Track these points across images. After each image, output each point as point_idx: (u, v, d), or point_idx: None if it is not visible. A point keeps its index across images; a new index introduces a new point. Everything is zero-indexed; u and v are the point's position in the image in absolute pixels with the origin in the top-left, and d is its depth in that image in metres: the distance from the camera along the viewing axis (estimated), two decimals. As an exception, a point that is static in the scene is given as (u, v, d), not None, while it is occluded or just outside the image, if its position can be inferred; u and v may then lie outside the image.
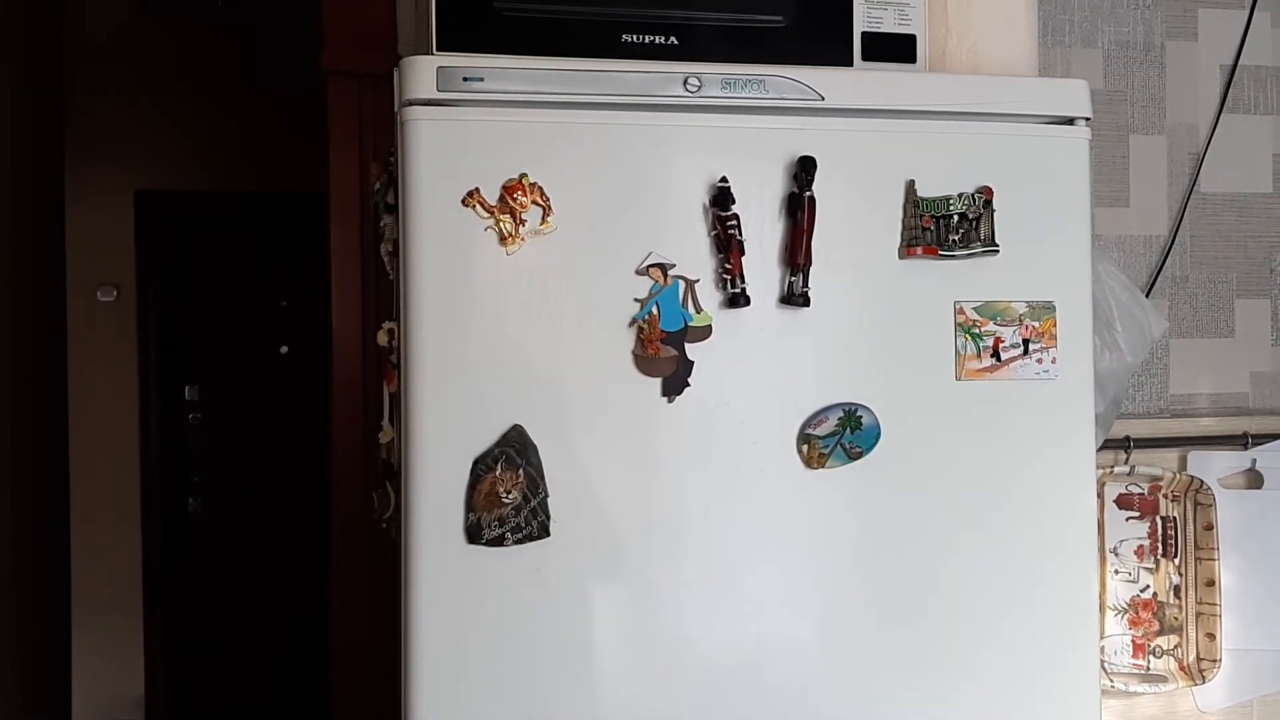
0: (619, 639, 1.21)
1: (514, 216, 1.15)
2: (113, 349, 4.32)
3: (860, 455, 1.22)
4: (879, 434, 1.22)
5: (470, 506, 1.15)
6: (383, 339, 1.30)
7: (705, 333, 1.19)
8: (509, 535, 1.16)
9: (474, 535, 1.15)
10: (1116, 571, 1.92)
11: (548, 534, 1.17)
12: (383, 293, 1.58)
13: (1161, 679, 1.89)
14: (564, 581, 1.18)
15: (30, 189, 3.29)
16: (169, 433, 4.46)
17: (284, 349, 4.64)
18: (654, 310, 1.18)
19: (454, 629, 1.16)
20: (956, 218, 1.24)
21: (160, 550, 4.44)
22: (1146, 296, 1.93)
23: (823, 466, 1.21)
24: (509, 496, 1.15)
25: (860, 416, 1.22)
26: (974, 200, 1.24)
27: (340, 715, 1.94)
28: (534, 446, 1.16)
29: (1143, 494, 1.93)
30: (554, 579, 1.18)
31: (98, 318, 4.29)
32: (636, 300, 1.18)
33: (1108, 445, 1.85)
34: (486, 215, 1.15)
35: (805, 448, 1.21)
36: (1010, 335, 1.25)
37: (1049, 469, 1.28)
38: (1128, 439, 1.88)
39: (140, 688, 4.46)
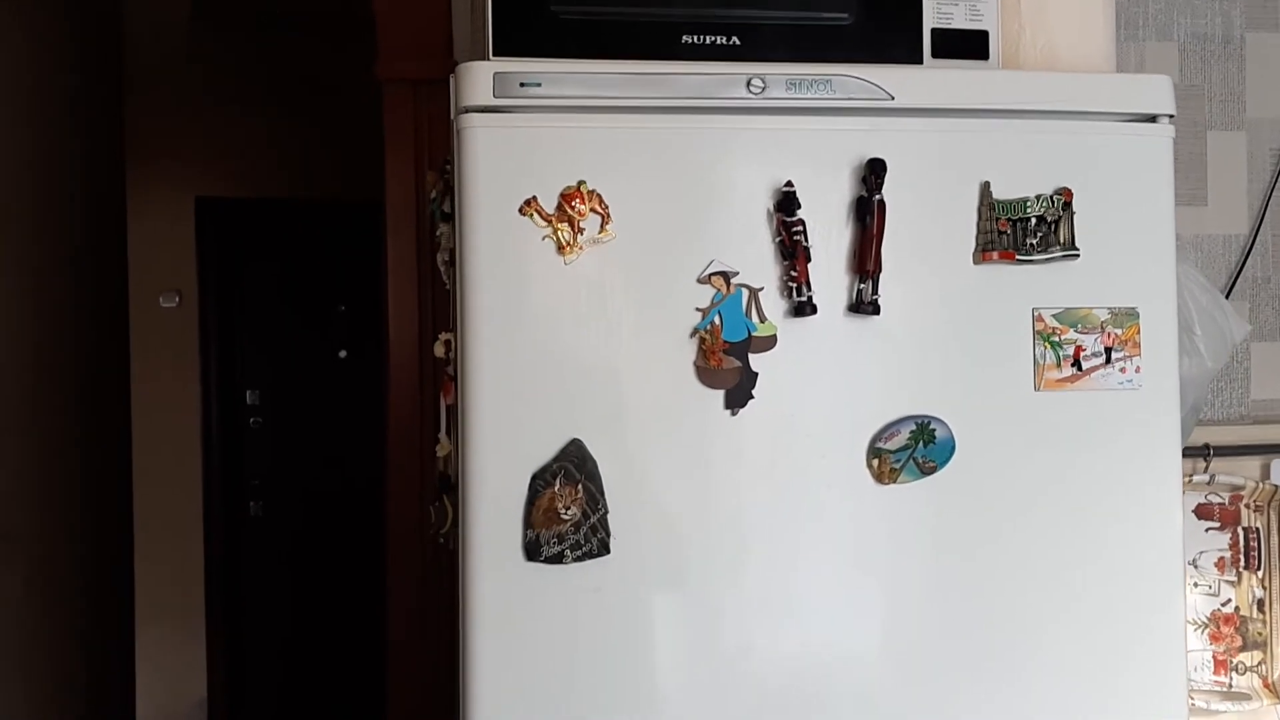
0: (680, 658, 1.17)
1: (572, 225, 1.12)
2: (175, 354, 4.37)
3: (934, 470, 1.17)
4: (954, 448, 1.17)
5: (529, 523, 1.12)
6: (439, 350, 1.28)
7: (770, 343, 1.15)
8: (568, 553, 1.13)
9: (533, 552, 1.12)
10: (1196, 585, 1.84)
11: (608, 551, 1.13)
12: (439, 302, 1.56)
13: (1245, 697, 1.82)
14: (624, 599, 1.14)
15: (95, 197, 3.33)
16: (230, 437, 4.50)
17: (343, 353, 4.67)
18: (716, 320, 1.14)
19: (512, 647, 1.13)
20: (1034, 221, 1.18)
21: (221, 554, 4.48)
22: (1226, 299, 1.86)
23: (894, 482, 1.17)
24: (568, 513, 1.12)
25: (934, 429, 1.17)
26: (1052, 202, 1.19)
27: (395, 717, 1.93)
28: (593, 461, 1.13)
29: (1223, 504, 1.85)
30: (614, 597, 1.14)
31: (160, 324, 4.34)
32: (698, 310, 1.14)
33: (1186, 453, 1.77)
34: (544, 224, 1.12)
35: (876, 462, 1.16)
36: (1091, 343, 1.19)
37: (1133, 484, 1.23)
38: (1207, 447, 1.81)
39: (203, 689, 4.50)
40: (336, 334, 4.64)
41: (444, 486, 1.31)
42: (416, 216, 1.66)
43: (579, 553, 1.13)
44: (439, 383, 1.34)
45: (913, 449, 1.16)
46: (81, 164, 3.12)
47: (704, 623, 1.17)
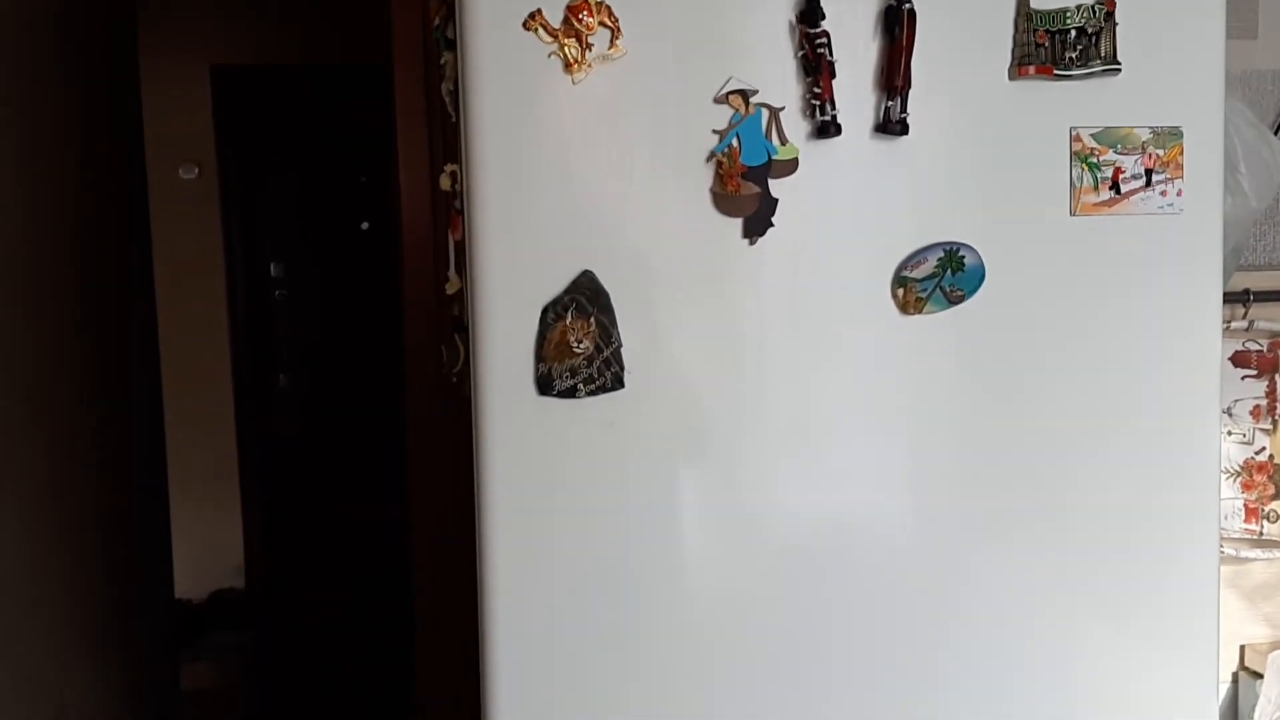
0: (698, 495, 1.15)
1: (579, 40, 1.05)
2: (196, 227, 4.35)
3: (961, 299, 1.12)
4: (983, 276, 1.12)
5: (540, 356, 1.09)
6: (445, 183, 1.23)
7: (791, 166, 1.09)
8: (581, 386, 1.09)
9: (545, 386, 1.09)
10: (1230, 433, 1.81)
11: (621, 385, 1.10)
12: (450, 140, 1.50)
13: (1276, 544, 1.79)
14: (638, 435, 1.12)
15: (106, 67, 3.25)
16: (255, 310, 4.51)
17: (365, 225, 4.63)
18: (734, 142, 1.08)
19: (527, 483, 1.11)
20: (1074, 33, 1.11)
21: (253, 423, 4.53)
22: (1276, 136, 1.77)
23: (919, 312, 1.12)
24: (580, 346, 1.09)
25: (962, 256, 1.11)
26: (1094, 12, 1.11)
27: (421, 562, 1.94)
28: (606, 294, 1.09)
29: (1261, 351, 1.80)
30: (628, 433, 1.12)
31: (180, 195, 4.31)
32: (715, 132, 1.08)
33: (1226, 299, 1.70)
34: (550, 40, 1.06)
35: (901, 291, 1.11)
36: (1131, 165, 1.13)
37: (1171, 314, 1.18)
38: (1247, 292, 1.75)
39: (239, 556, 4.61)
40: (358, 206, 4.60)
41: (456, 326, 1.27)
42: (425, 55, 1.59)
43: (592, 387, 1.09)
44: (448, 219, 1.30)
45: (940, 277, 1.11)
46: (89, 32, 3.04)
47: (722, 457, 1.14)
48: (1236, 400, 1.80)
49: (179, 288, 4.16)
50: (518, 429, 1.11)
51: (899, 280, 1.11)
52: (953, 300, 1.12)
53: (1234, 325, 1.76)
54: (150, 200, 3.76)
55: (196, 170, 4.33)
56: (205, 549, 4.61)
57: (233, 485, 4.61)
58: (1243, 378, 1.80)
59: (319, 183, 4.56)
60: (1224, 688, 1.80)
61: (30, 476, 2.50)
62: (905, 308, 1.12)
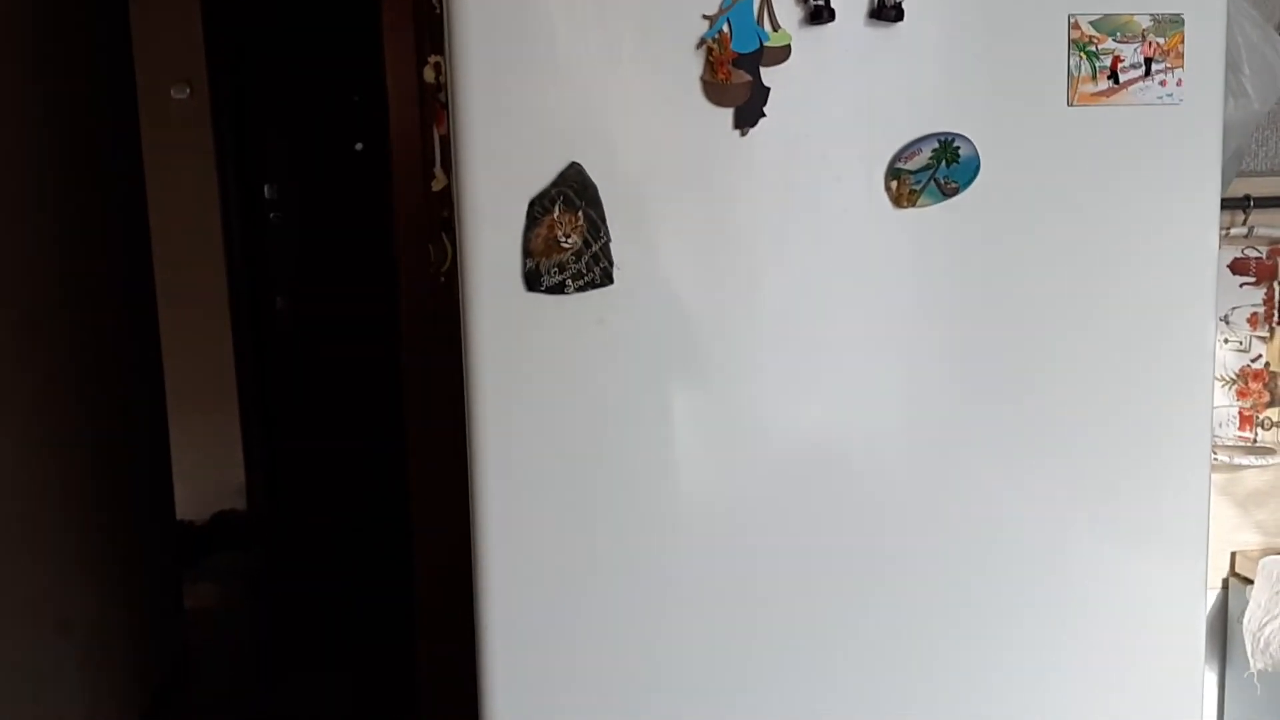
0: (688, 392, 1.14)
1: (565, -78, 1.02)
2: (189, 148, 4.29)
3: (956, 191, 1.10)
4: (978, 167, 1.10)
5: (528, 252, 1.07)
6: (429, 75, 1.20)
7: (783, 54, 1.07)
8: (570, 282, 1.08)
9: (533, 282, 1.08)
10: (1226, 340, 1.80)
11: (611, 281, 1.09)
12: (435, 34, 1.47)
13: (1270, 451, 1.79)
14: (628, 332, 1.11)
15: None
16: (251, 231, 4.47)
17: (359, 146, 4.57)
18: (724, 28, 1.05)
19: (516, 381, 1.11)
20: (1074, -86, 1.07)
21: (250, 346, 4.53)
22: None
23: (914, 205, 1.10)
24: (568, 241, 1.07)
25: (957, 147, 1.09)
26: (1095, -107, 1.08)
27: (418, 480, 1.94)
28: (593, 186, 1.07)
29: (1260, 258, 1.78)
30: (618, 330, 1.10)
31: (172, 116, 4.25)
32: (705, 17, 1.06)
33: (1225, 205, 1.68)
34: (534, -78, 1.03)
35: (895, 184, 1.10)
36: (1131, 54, 1.10)
37: (1169, 209, 1.16)
38: (1247, 198, 1.73)
39: (241, 477, 4.63)
40: (352, 126, 4.54)
41: (443, 226, 1.26)
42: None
43: (581, 282, 1.08)
44: (433, 113, 1.27)
45: (934, 169, 1.09)
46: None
47: (714, 354, 1.13)
48: (1234, 308, 1.79)
49: (172, 210, 4.12)
50: (506, 326, 1.10)
51: (893, 172, 1.10)
52: (947, 193, 1.10)
53: (1233, 232, 1.74)
54: (141, 121, 3.71)
55: (188, 90, 4.27)
56: (206, 471, 4.63)
57: (232, 409, 4.62)
58: (1241, 285, 1.79)
59: (312, 104, 4.49)
60: (1214, 594, 1.81)
61: (21, 397, 2.50)
62: (899, 200, 1.10)
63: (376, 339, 4.23)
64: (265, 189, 4.61)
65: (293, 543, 4.47)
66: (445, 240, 1.21)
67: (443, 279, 1.26)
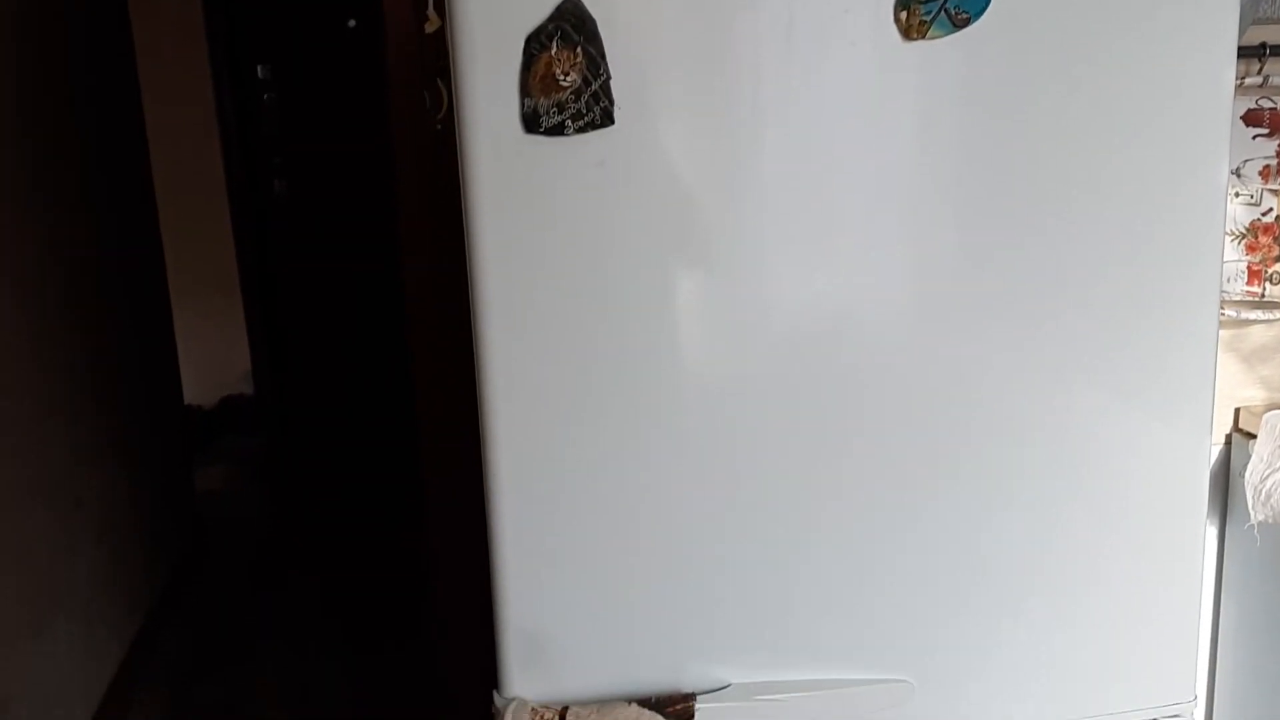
0: (690, 241, 1.12)
1: None
2: (179, 28, 4.21)
3: (967, 22, 1.07)
4: (989, -4, 1.07)
5: (525, 91, 1.05)
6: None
7: (786, -123, 1.02)
8: (569, 123, 1.05)
9: (531, 124, 1.05)
10: (1237, 194, 1.77)
11: (611, 121, 1.06)
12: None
13: (1277, 305, 1.78)
14: (629, 174, 1.08)
15: None
16: (245, 113, 4.40)
17: (352, 23, 4.46)
18: None
19: (514, 228, 1.09)
20: None
21: (250, 230, 4.49)
22: None
23: (923, 37, 1.07)
24: (567, 79, 1.04)
25: (967, -26, 1.06)
26: None
27: (420, 356, 1.94)
28: (592, 20, 1.04)
29: (1275, 109, 1.74)
30: (620, 173, 1.08)
31: (161, -1, 4.15)
32: None
33: (1240, 53, 1.64)
34: None
35: (904, 15, 1.06)
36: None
37: (1183, 54, 1.13)
38: (1264, 46, 1.68)
39: (246, 361, 4.64)
40: (344, 2, 4.42)
41: (439, 72, 1.22)
42: None
43: (580, 123, 1.06)
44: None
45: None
46: None
47: (716, 196, 1.10)
48: (1246, 160, 1.76)
49: (165, 95, 4.05)
50: (504, 170, 1.07)
51: (902, 3, 1.06)
52: (957, 24, 1.07)
53: (1248, 81, 1.70)
54: (129, 6, 3.63)
55: (176, -31, 4.16)
56: (212, 357, 4.65)
57: (235, 293, 4.61)
58: (1254, 137, 1.75)
59: (303, -21, 4.38)
60: (1217, 450, 1.82)
61: (28, 285, 2.49)
62: (908, 32, 1.07)
63: (378, 218, 4.20)
64: (258, 69, 4.52)
65: (301, 425, 4.51)
66: (440, 85, 1.18)
67: (439, 127, 1.23)
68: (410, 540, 3.80)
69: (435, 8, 1.19)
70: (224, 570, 3.80)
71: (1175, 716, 1.26)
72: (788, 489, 1.16)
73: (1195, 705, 1.26)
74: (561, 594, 1.15)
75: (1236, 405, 1.82)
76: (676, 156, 1.09)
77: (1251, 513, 1.73)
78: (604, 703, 1.15)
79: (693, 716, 1.13)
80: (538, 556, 1.14)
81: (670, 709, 1.14)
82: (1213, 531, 1.83)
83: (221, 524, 4.11)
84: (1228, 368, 1.80)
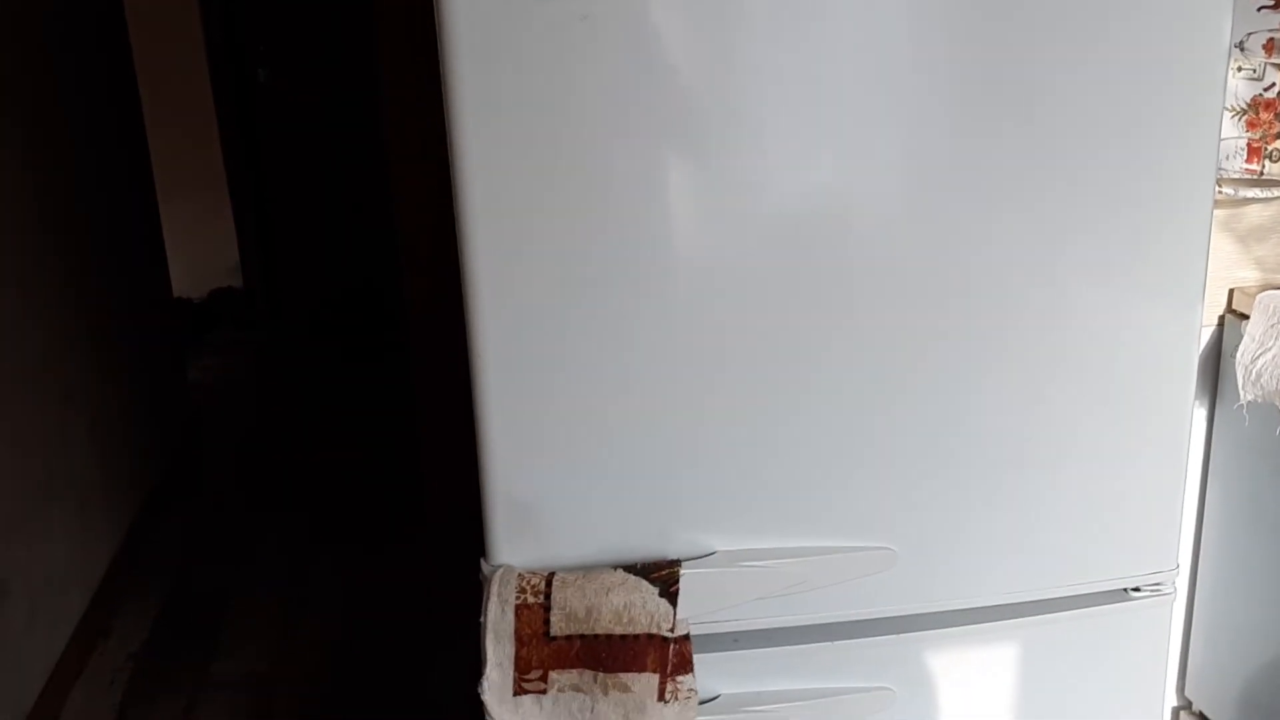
0: (676, 98, 1.08)
1: None
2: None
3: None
4: None
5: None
6: None
7: None
8: (551, -27, 1.01)
9: (511, -25, 1.01)
10: (1240, 69, 1.73)
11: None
12: None
13: (1276, 183, 1.75)
14: (617, 32, 1.04)
15: None
16: (228, 4, 4.30)
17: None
18: None
19: (495, 89, 1.04)
20: None
21: (235, 122, 4.42)
22: None
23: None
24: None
25: None
26: None
27: (408, 246, 1.92)
28: None
29: (1283, -20, 1.69)
30: (606, 29, 1.04)
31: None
32: None
33: (1248, -81, 1.60)
34: None
35: None
36: None
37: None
38: (1273, -88, 1.62)
39: (235, 255, 4.61)
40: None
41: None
42: None
43: (562, -27, 1.01)
44: None
45: None
46: None
47: (703, 51, 1.07)
48: (1250, 33, 1.71)
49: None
50: (483, 26, 1.03)
51: None
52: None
53: (1255, -50, 1.65)
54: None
55: None
56: (201, 250, 4.61)
57: (222, 187, 4.56)
58: (1259, 9, 1.70)
59: None
60: (1209, 331, 1.81)
61: (8, 176, 2.45)
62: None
63: (363, 108, 4.13)
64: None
65: (290, 317, 4.49)
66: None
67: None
68: (403, 426, 3.81)
69: None
70: (219, 461, 3.82)
71: (1157, 584, 1.27)
72: (774, 360, 1.15)
73: (1178, 574, 1.27)
74: (548, 463, 1.15)
75: (1231, 286, 1.81)
76: (666, 22, 1.05)
77: (1241, 393, 1.73)
78: (590, 569, 1.15)
79: (677, 582, 1.14)
80: (524, 425, 1.13)
81: (655, 574, 1.14)
82: (1202, 414, 1.83)
83: (216, 416, 4.12)
84: (1223, 248, 1.78)
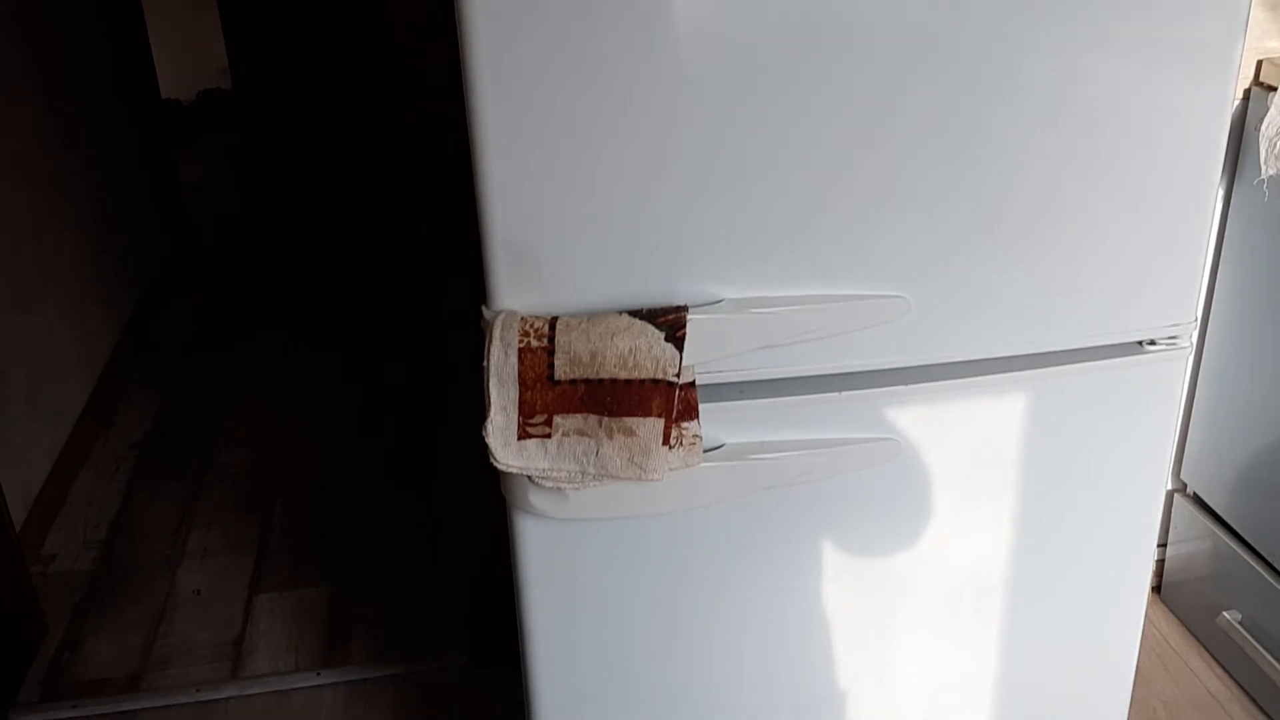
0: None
1: None
2: None
3: None
4: None
5: None
6: None
7: None
8: None
9: None
10: None
11: None
12: None
13: None
14: None
15: None
16: None
17: None
18: None
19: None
20: None
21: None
22: None
23: None
24: None
25: None
26: None
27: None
28: None
29: None
30: None
31: None
32: None
33: None
34: None
35: None
36: None
37: None
38: None
39: (223, 56, 4.46)
40: None
41: None
42: None
43: None
44: None
45: None
46: None
47: None
48: None
49: None
50: None
51: None
52: None
53: None
54: None
55: None
56: (187, 52, 4.47)
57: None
58: None
59: None
60: (1234, 105, 1.74)
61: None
62: None
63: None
64: None
65: (279, 119, 4.38)
66: None
67: None
68: (398, 226, 3.76)
69: None
70: (214, 260, 3.78)
71: (1174, 338, 1.24)
72: (789, 90, 1.07)
73: (1195, 326, 1.25)
74: (550, 202, 1.09)
75: (1260, 57, 1.73)
76: None
77: (1263, 166, 1.68)
78: (595, 314, 1.12)
79: (684, 327, 1.11)
80: (523, 159, 1.07)
81: (662, 319, 1.11)
82: (1219, 191, 1.78)
83: (208, 215, 4.07)
84: (1254, 16, 1.70)
